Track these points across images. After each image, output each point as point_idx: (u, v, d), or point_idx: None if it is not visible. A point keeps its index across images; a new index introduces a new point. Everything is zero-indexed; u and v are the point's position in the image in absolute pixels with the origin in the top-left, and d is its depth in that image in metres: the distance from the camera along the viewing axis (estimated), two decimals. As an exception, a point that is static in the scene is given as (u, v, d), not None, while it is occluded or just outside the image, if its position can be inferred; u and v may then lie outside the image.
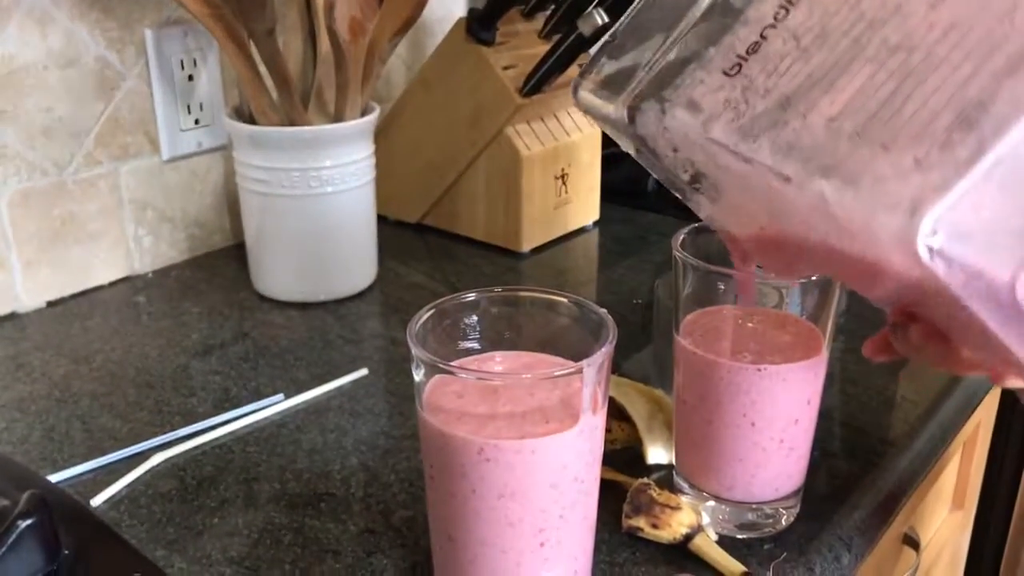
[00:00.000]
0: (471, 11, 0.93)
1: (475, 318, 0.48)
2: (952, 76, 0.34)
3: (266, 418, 0.68)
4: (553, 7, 0.96)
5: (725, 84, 0.40)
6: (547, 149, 0.97)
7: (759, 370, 0.51)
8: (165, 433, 0.66)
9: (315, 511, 0.59)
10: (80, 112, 0.85)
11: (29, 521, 0.29)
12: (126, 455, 0.64)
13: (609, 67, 0.44)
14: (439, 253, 1.00)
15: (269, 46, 0.77)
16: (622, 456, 0.63)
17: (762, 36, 0.39)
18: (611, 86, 0.43)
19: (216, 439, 0.66)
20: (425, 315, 0.46)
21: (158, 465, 0.63)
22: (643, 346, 0.79)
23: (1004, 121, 0.32)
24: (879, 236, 0.33)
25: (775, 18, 0.39)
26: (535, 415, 0.43)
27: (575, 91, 0.46)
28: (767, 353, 0.52)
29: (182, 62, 0.90)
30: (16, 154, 0.81)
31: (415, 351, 0.43)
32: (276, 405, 0.69)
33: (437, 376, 0.45)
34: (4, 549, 0.28)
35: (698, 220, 0.49)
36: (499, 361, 0.48)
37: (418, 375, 0.45)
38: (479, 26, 0.92)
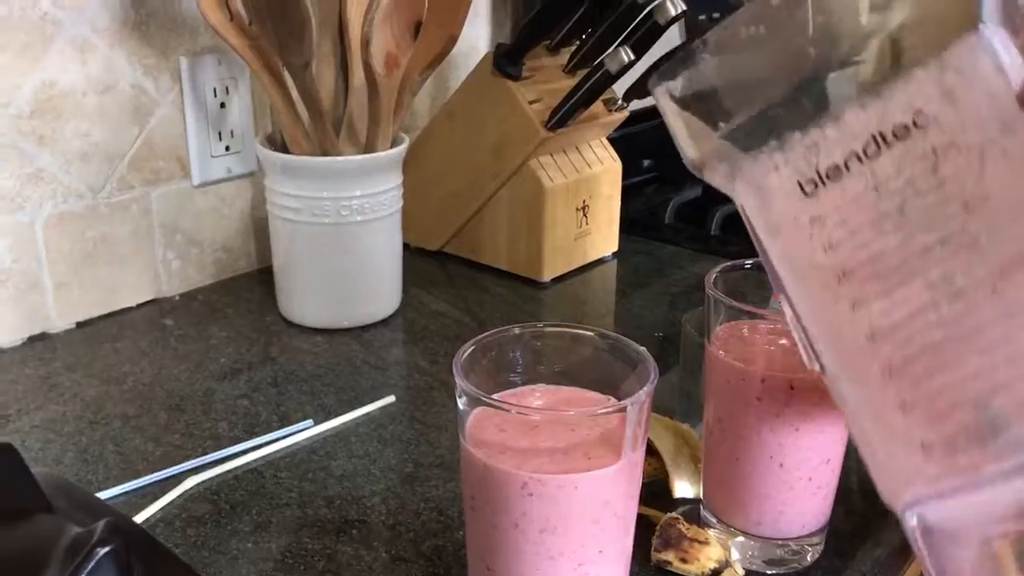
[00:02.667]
0: (499, 46, 0.95)
1: (517, 352, 0.49)
2: (992, 372, 0.34)
3: (296, 443, 0.70)
4: (578, 43, 0.98)
5: (794, 195, 0.38)
6: (569, 181, 0.99)
7: (791, 386, 0.52)
8: (197, 457, 0.67)
9: (347, 537, 0.59)
10: (115, 137, 0.87)
11: (107, 549, 0.30)
12: (160, 478, 0.65)
13: (690, 82, 0.42)
14: (461, 281, 1.01)
15: (305, 78, 0.79)
16: (648, 489, 0.64)
17: (846, 165, 0.37)
18: (690, 108, 0.42)
19: (248, 463, 0.67)
20: (470, 348, 0.47)
21: (191, 489, 0.64)
22: (664, 379, 0.80)
23: (1004, 455, 0.34)
24: (874, 471, 0.39)
25: (864, 152, 0.36)
26: (576, 450, 0.44)
27: (652, 88, 0.43)
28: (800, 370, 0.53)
29: (215, 90, 0.92)
30: (53, 177, 0.83)
31: (460, 383, 0.45)
32: (306, 431, 0.70)
33: (480, 409, 0.46)
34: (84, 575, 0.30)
35: (713, 255, 0.50)
36: (539, 395, 0.49)
37: (462, 406, 0.46)
38: (506, 60, 0.94)
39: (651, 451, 0.65)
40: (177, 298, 0.95)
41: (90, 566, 0.30)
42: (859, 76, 0.38)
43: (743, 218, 0.41)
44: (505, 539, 0.44)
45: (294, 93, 0.82)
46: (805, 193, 0.38)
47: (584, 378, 0.49)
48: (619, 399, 0.45)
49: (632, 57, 0.87)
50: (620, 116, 1.03)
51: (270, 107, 0.85)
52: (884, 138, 0.36)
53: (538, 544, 0.43)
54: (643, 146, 1.20)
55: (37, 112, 0.81)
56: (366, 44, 0.76)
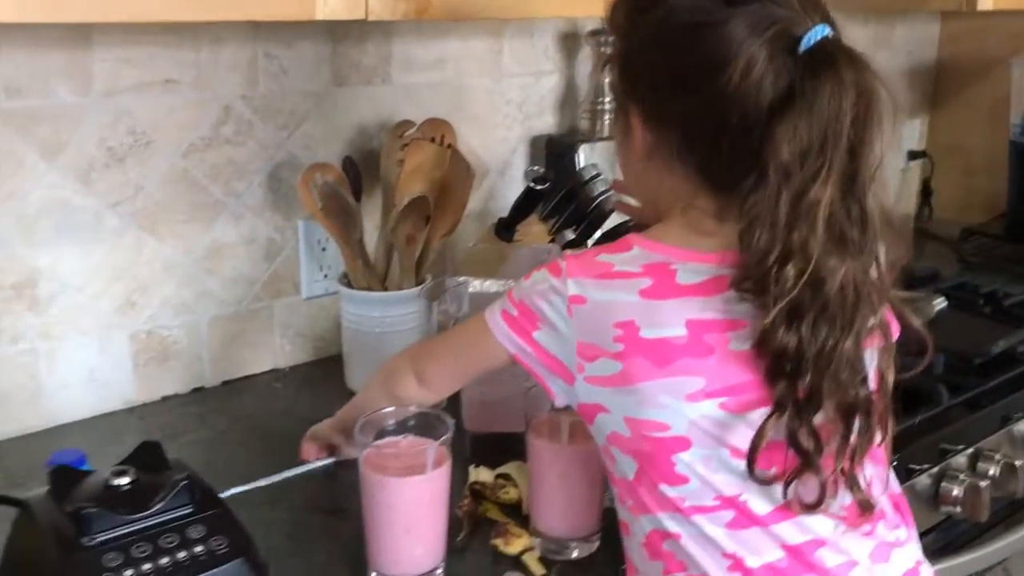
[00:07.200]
0: (499, 220, 1.44)
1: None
2: None
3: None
4: (556, 217, 1.45)
5: None
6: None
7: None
8: (269, 475, 1.17)
9: (335, 521, 1.08)
10: (254, 270, 1.41)
11: (185, 480, 0.80)
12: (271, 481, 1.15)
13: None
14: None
15: (359, 244, 1.30)
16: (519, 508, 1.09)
17: None
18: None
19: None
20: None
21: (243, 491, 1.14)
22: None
23: None
24: None
25: None
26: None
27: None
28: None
29: (319, 240, 1.45)
30: (215, 294, 1.38)
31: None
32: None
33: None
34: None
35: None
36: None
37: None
38: (503, 229, 1.42)
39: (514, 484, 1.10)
40: (287, 370, 1.47)
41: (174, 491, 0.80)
42: None
43: None
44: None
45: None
46: None
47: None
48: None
49: (574, 236, 1.34)
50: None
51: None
52: None
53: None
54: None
55: (209, 256, 1.36)
56: (394, 230, 1.27)
